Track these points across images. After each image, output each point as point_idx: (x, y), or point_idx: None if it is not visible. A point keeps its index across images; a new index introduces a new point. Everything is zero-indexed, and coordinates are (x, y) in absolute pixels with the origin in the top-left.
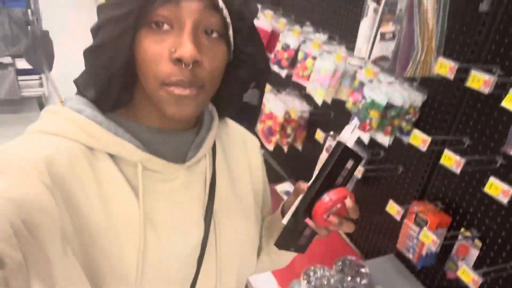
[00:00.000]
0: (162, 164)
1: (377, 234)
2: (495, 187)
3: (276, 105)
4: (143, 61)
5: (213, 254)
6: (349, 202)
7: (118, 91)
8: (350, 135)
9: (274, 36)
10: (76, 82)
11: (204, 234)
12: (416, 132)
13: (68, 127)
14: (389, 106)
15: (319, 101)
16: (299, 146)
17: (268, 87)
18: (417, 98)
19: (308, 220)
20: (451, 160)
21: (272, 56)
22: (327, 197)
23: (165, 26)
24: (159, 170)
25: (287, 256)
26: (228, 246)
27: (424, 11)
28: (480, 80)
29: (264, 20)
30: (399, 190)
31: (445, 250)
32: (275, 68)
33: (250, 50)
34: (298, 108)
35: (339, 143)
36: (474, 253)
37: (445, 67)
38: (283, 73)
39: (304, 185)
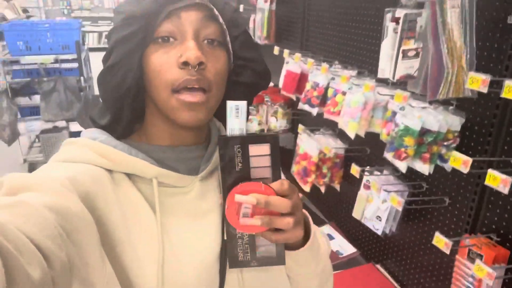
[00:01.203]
0: (177, 177)
1: (426, 273)
2: None
3: (310, 144)
4: (153, 72)
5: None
6: (242, 198)
7: (130, 114)
8: (235, 120)
9: (303, 77)
10: (91, 116)
11: (223, 246)
12: (456, 154)
13: (85, 153)
14: (425, 132)
15: (351, 135)
16: (337, 186)
17: (300, 127)
18: (454, 121)
19: (239, 230)
20: (497, 180)
21: (302, 96)
22: (226, 204)
23: (170, 39)
24: (174, 183)
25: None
26: None
27: (450, 30)
28: None
29: (293, 63)
30: (447, 224)
31: None
32: (305, 107)
33: (248, 54)
34: (332, 145)
35: (218, 137)
36: None
37: (477, 81)
38: (314, 111)
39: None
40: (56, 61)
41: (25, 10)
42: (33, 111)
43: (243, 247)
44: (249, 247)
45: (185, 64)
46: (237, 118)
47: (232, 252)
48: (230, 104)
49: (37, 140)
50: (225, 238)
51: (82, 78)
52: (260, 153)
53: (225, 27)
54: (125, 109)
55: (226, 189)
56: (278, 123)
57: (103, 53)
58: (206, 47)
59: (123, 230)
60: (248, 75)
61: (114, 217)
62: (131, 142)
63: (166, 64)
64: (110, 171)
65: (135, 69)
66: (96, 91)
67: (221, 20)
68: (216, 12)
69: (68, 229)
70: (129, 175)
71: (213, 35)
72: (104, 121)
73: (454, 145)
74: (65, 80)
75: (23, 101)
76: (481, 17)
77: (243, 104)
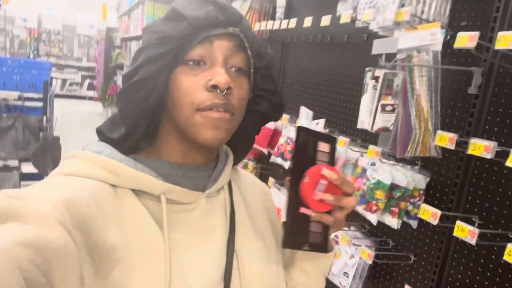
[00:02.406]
0: (184, 193)
1: None
2: None
3: (279, 198)
4: (178, 91)
5: (238, 285)
6: (328, 172)
7: (145, 129)
8: (306, 123)
9: (276, 133)
10: (98, 129)
11: (227, 267)
12: (425, 206)
13: (89, 167)
14: (394, 187)
15: None
16: None
17: (271, 180)
18: (420, 180)
19: (303, 210)
20: (465, 231)
21: (275, 150)
22: (305, 177)
23: (201, 63)
24: (181, 200)
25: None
26: (252, 278)
27: (418, 96)
28: (481, 147)
29: None
30: (415, 279)
31: None
32: (278, 160)
33: (267, 86)
34: None
35: (298, 127)
36: None
37: (445, 139)
38: (286, 164)
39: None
40: (20, 98)
41: None
42: None
43: (299, 229)
44: (304, 230)
45: (214, 87)
46: (307, 122)
47: (290, 231)
48: (303, 111)
49: None
50: (287, 221)
51: (44, 117)
52: (323, 150)
53: (251, 58)
54: (141, 125)
55: (300, 170)
56: None
57: (66, 100)
58: (232, 74)
59: (123, 250)
60: (265, 106)
61: (112, 238)
62: (137, 157)
63: (194, 85)
64: (114, 186)
65: (161, 88)
66: (56, 133)
67: (249, 51)
68: (246, 44)
69: (43, 268)
70: (134, 191)
71: (240, 64)
72: (116, 135)
73: (419, 202)
74: (26, 118)
75: None
76: (445, 87)
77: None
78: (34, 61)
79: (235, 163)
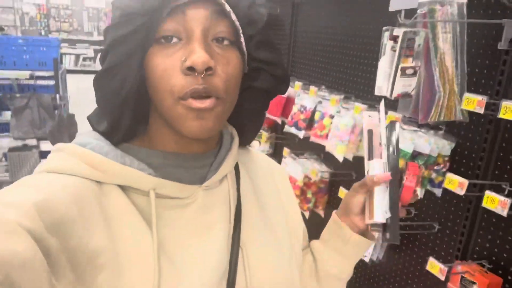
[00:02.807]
0: (176, 187)
1: None
2: None
3: (295, 168)
4: (155, 78)
5: (243, 285)
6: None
7: (131, 120)
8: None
9: (289, 101)
10: (89, 118)
11: (232, 265)
12: (451, 176)
13: (71, 162)
14: (416, 155)
15: (340, 157)
16: (321, 212)
17: (286, 150)
18: (445, 145)
19: (402, 212)
20: (495, 202)
21: (289, 119)
22: (408, 182)
23: (174, 39)
24: (174, 195)
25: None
26: (259, 277)
27: (442, 55)
28: None
29: None
30: (437, 250)
31: None
32: (292, 130)
33: (264, 56)
34: (318, 169)
35: (392, 122)
36: None
37: (473, 102)
38: (301, 134)
39: (375, 177)
40: (32, 77)
41: (1, 28)
42: (2, 128)
43: (398, 225)
44: (399, 225)
45: (191, 69)
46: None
47: (395, 228)
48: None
49: (4, 158)
50: (389, 215)
51: (57, 95)
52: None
53: (238, 24)
54: (125, 117)
55: (396, 167)
56: (261, 147)
57: (80, 76)
58: (215, 48)
59: (110, 253)
60: (264, 80)
61: (97, 241)
62: (130, 146)
63: (169, 69)
64: (100, 182)
65: (135, 74)
66: (71, 110)
67: (233, 17)
68: (228, 8)
69: (7, 283)
70: (122, 187)
71: (224, 33)
72: (102, 127)
73: (444, 169)
74: (39, 97)
75: None
76: (471, 43)
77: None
78: (42, 39)
79: (245, 143)
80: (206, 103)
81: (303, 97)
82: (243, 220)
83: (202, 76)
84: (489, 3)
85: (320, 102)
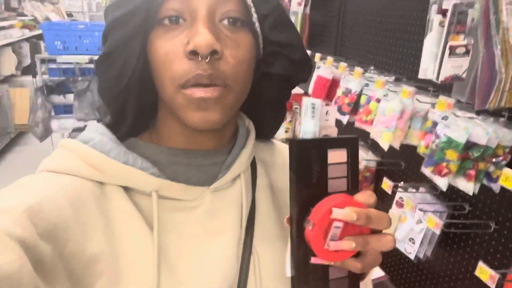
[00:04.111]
0: (182, 189)
1: None
2: None
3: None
4: (156, 63)
5: None
6: (341, 212)
7: (136, 110)
8: (310, 121)
9: (334, 84)
10: (98, 109)
11: (242, 274)
12: (508, 171)
13: (71, 162)
14: (471, 146)
15: (385, 146)
16: None
17: None
18: (506, 135)
19: (315, 260)
20: None
21: (332, 103)
22: (309, 224)
23: (178, 20)
24: (179, 197)
25: None
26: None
27: (505, 30)
28: None
29: (324, 68)
30: (492, 253)
31: None
32: (336, 115)
33: (281, 38)
34: (363, 158)
35: (289, 141)
36: None
37: None
38: (345, 119)
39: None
40: (91, 61)
41: (69, 14)
42: (67, 110)
43: (315, 283)
44: (322, 282)
45: (194, 53)
46: (313, 119)
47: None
48: (306, 102)
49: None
50: (291, 273)
51: None
52: (338, 161)
53: (250, 2)
54: (128, 108)
55: (303, 205)
56: None
57: None
58: (224, 29)
59: (109, 259)
60: (282, 65)
61: (94, 246)
62: (138, 142)
63: (172, 54)
64: (101, 183)
65: (136, 59)
66: None
67: None
68: None
69: None
70: (125, 187)
71: (234, 12)
72: (107, 120)
73: (504, 162)
74: None
75: (57, 99)
76: None
77: (319, 102)
78: (100, 24)
79: (268, 137)
80: (210, 92)
81: (348, 79)
82: (256, 225)
83: (207, 61)
84: None
85: (367, 85)
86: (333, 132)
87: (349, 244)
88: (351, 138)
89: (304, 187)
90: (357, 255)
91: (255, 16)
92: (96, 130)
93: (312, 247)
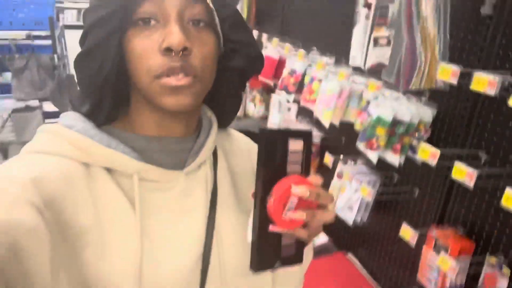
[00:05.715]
0: (159, 172)
1: (395, 264)
2: None
3: None
4: (133, 58)
5: (217, 270)
6: (298, 190)
7: (112, 101)
8: (278, 114)
9: (281, 63)
10: (70, 99)
11: (207, 246)
12: (424, 146)
13: (59, 144)
14: (396, 122)
15: (326, 124)
16: None
17: None
18: (426, 113)
19: (273, 228)
20: (463, 173)
21: (279, 82)
22: (271, 198)
23: (152, 22)
24: (157, 179)
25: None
26: (231, 257)
27: (424, 20)
28: (485, 82)
29: (271, 48)
30: (416, 215)
31: (472, 281)
32: (283, 93)
33: (239, 37)
34: None
35: (260, 130)
36: (503, 284)
37: (447, 72)
38: (291, 98)
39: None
40: (29, 37)
41: None
42: (4, 89)
43: (270, 248)
44: (275, 247)
45: (168, 50)
46: (279, 113)
47: (260, 253)
48: (275, 99)
49: (9, 119)
50: (252, 239)
51: (55, 55)
52: (296, 149)
53: (212, 6)
54: (106, 98)
55: (267, 183)
56: (256, 109)
57: (81, 31)
58: (192, 29)
59: (95, 231)
60: (239, 60)
61: (84, 219)
62: (113, 130)
63: (147, 50)
64: (87, 164)
65: (114, 55)
66: (71, 71)
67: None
68: None
69: (14, 248)
70: (108, 169)
71: (199, 15)
72: (84, 109)
73: (425, 136)
74: (38, 57)
75: None
76: (455, 7)
77: (284, 100)
78: None
79: (225, 125)
80: (182, 80)
81: (293, 60)
82: (218, 204)
83: (179, 56)
84: None
85: (310, 66)
86: (293, 125)
87: (301, 215)
88: (307, 131)
89: (269, 168)
90: (304, 226)
91: (217, 18)
92: (75, 119)
93: (272, 216)
